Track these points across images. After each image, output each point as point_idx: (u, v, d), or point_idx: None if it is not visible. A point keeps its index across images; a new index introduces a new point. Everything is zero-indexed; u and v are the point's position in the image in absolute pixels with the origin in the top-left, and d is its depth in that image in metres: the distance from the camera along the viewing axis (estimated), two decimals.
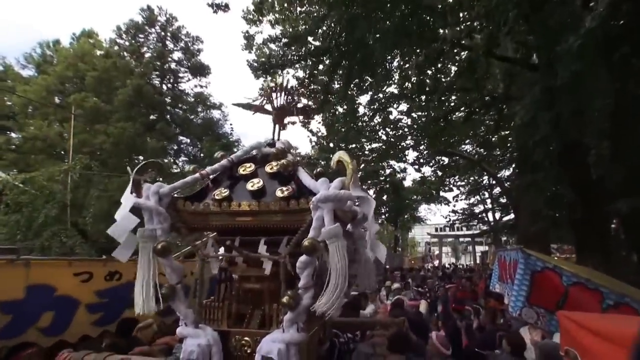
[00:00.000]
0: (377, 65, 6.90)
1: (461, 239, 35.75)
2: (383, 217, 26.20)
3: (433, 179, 18.19)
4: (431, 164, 16.57)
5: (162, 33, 20.73)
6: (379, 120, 14.69)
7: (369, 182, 19.67)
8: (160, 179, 2.82)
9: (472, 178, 19.50)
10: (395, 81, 11.67)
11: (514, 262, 4.32)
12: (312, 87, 8.98)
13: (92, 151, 13.38)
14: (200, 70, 20.94)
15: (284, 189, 2.59)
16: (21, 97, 16.75)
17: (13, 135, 19.65)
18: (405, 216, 26.55)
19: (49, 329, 3.31)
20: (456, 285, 8.27)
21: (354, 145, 15.71)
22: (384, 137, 15.51)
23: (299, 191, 2.47)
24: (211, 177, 2.79)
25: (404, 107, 14.13)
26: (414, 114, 13.86)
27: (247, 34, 13.02)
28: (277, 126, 3.16)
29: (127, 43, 19.85)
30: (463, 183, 20.21)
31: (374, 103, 12.37)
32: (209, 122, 20.74)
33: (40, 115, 17.23)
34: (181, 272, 2.52)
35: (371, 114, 14.92)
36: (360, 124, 15.28)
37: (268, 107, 3.19)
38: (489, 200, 21.39)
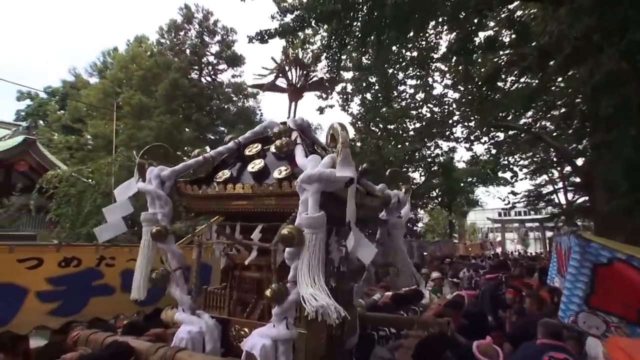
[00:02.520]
0: (398, 24, 5.97)
1: (528, 224, 32.72)
2: (435, 201, 24.78)
3: (487, 157, 16.47)
4: (483, 140, 15.03)
5: (200, 29, 21.22)
6: (422, 96, 13.64)
7: (415, 164, 18.56)
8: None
9: (537, 155, 17.39)
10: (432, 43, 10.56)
11: (569, 250, 3.31)
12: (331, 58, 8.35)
13: (138, 145, 14.29)
14: (235, 61, 21.27)
15: (283, 169, 2.27)
16: (82, 102, 18.64)
17: (88, 136, 21.80)
18: (459, 200, 24.78)
19: None
20: (495, 276, 7.24)
21: (393, 126, 14.79)
22: (428, 115, 14.37)
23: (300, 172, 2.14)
24: (217, 159, 2.69)
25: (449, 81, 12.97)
26: (460, 87, 12.58)
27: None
28: (292, 103, 2.91)
29: (168, 42, 20.77)
30: (527, 162, 18.14)
31: (412, 76, 11.29)
32: (244, 111, 21.13)
33: (100, 115, 18.83)
34: (181, 258, 2.40)
35: (412, 90, 13.93)
36: (403, 102, 14.36)
37: (283, 83, 2.95)
38: (560, 180, 19.07)
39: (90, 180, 9.69)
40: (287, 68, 2.87)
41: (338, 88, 14.51)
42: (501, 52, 10.14)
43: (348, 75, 14.16)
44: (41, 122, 25.61)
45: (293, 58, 2.90)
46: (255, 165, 2.43)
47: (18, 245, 3.31)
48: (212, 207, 2.53)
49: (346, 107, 15.27)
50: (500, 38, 9.11)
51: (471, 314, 4.74)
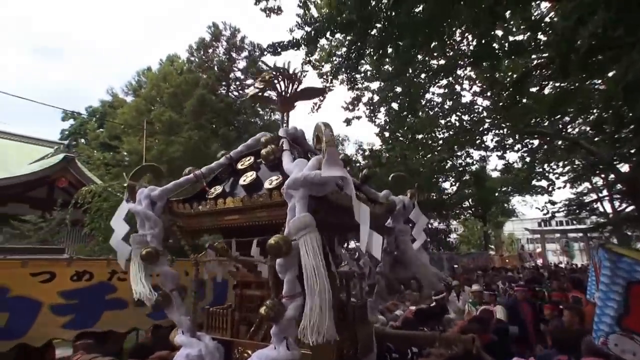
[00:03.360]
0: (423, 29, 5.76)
1: (571, 234, 30.72)
2: (469, 212, 23.86)
3: (520, 165, 15.65)
4: (516, 148, 14.30)
5: (227, 45, 21.92)
6: (450, 104, 13.25)
7: (445, 174, 18.02)
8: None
9: (577, 162, 16.35)
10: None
11: (601, 264, 3.11)
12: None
13: (168, 160, 14.78)
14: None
15: (274, 179, 2.19)
16: (116, 122, 19.73)
17: (124, 152, 22.88)
18: (494, 210, 23.69)
19: (5, 331, 3.17)
20: (524, 288, 6.81)
21: (421, 136, 14.39)
22: (457, 123, 13.93)
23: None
24: (208, 176, 2.64)
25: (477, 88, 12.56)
26: (489, 93, 12.12)
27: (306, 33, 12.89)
28: (284, 114, 2.87)
29: (197, 59, 21.56)
30: (565, 169, 17.07)
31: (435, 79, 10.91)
32: (271, 124, 21.44)
33: (134, 132, 19.73)
34: (175, 279, 2.33)
35: (440, 99, 13.59)
36: (430, 111, 14.01)
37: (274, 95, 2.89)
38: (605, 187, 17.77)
39: (122, 195, 10.06)
40: (275, 80, 2.81)
41: (365, 99, 14.41)
42: (534, 55, 9.68)
43: (374, 85, 14.08)
44: (82, 140, 27.24)
45: (280, 69, 2.82)
46: (247, 177, 2.36)
47: (31, 259, 3.41)
48: (206, 225, 2.46)
49: (373, 117, 15.03)
50: (533, 41, 8.67)
51: (501, 329, 4.45)
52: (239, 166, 2.57)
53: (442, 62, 11.44)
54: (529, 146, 14.06)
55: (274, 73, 2.82)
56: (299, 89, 2.87)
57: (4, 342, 3.15)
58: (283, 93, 2.83)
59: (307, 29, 7.78)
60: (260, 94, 2.89)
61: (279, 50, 7.10)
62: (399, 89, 12.43)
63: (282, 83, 2.83)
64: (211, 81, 19.64)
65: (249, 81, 21.22)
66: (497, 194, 22.06)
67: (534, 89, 10.57)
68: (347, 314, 2.70)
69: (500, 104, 11.56)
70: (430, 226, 21.24)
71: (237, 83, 22.24)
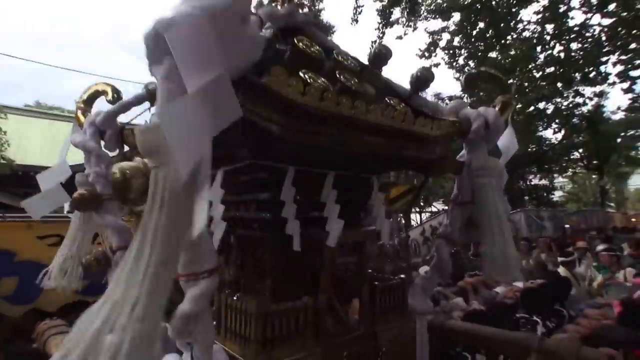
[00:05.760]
0: None
1: None
2: (580, 164, 19.98)
3: None
4: None
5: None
6: (551, 30, 10.56)
7: (546, 119, 15.00)
8: None
9: None
10: None
11: None
12: None
13: None
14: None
15: None
16: None
17: None
18: (615, 159, 19.37)
19: (14, 297, 3.13)
20: None
21: (512, 80, 11.89)
22: (562, 55, 11.13)
23: None
24: None
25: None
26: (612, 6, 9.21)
27: None
28: None
29: None
30: None
31: None
32: None
33: None
34: (125, 234, 1.75)
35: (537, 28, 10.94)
36: (523, 46, 11.39)
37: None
38: None
39: None
40: None
41: (442, 43, 12.71)
42: None
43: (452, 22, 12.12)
44: None
45: None
46: None
47: (35, 221, 3.16)
48: None
49: (453, 63, 13.31)
50: None
51: None
52: None
53: None
54: None
55: None
56: None
57: (16, 307, 3.14)
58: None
59: None
60: None
61: None
62: (481, 25, 10.31)
63: None
64: None
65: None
66: (619, 140, 17.85)
67: None
68: (363, 303, 1.72)
69: (631, 13, 8.68)
70: (528, 183, 18.36)
71: None
